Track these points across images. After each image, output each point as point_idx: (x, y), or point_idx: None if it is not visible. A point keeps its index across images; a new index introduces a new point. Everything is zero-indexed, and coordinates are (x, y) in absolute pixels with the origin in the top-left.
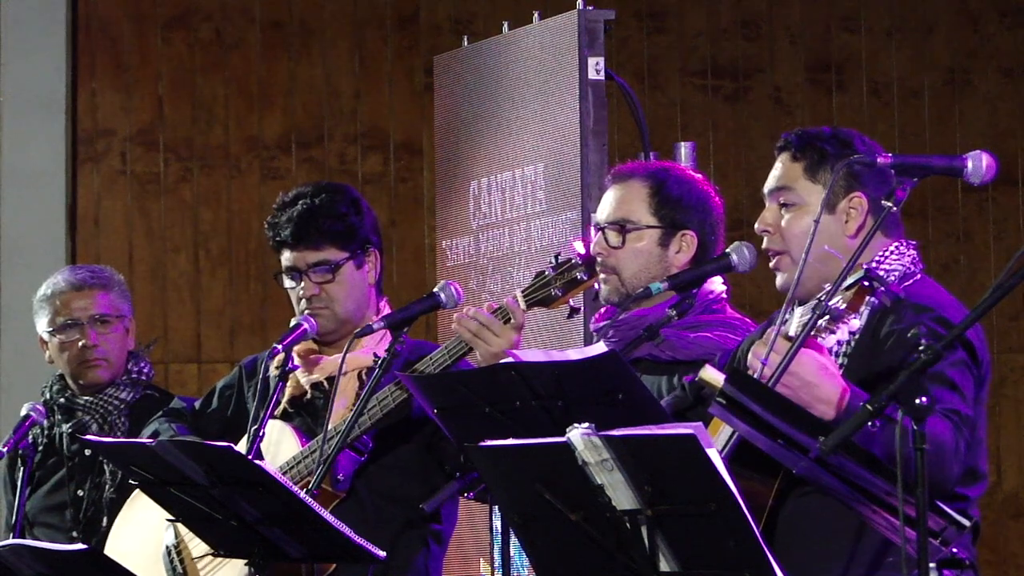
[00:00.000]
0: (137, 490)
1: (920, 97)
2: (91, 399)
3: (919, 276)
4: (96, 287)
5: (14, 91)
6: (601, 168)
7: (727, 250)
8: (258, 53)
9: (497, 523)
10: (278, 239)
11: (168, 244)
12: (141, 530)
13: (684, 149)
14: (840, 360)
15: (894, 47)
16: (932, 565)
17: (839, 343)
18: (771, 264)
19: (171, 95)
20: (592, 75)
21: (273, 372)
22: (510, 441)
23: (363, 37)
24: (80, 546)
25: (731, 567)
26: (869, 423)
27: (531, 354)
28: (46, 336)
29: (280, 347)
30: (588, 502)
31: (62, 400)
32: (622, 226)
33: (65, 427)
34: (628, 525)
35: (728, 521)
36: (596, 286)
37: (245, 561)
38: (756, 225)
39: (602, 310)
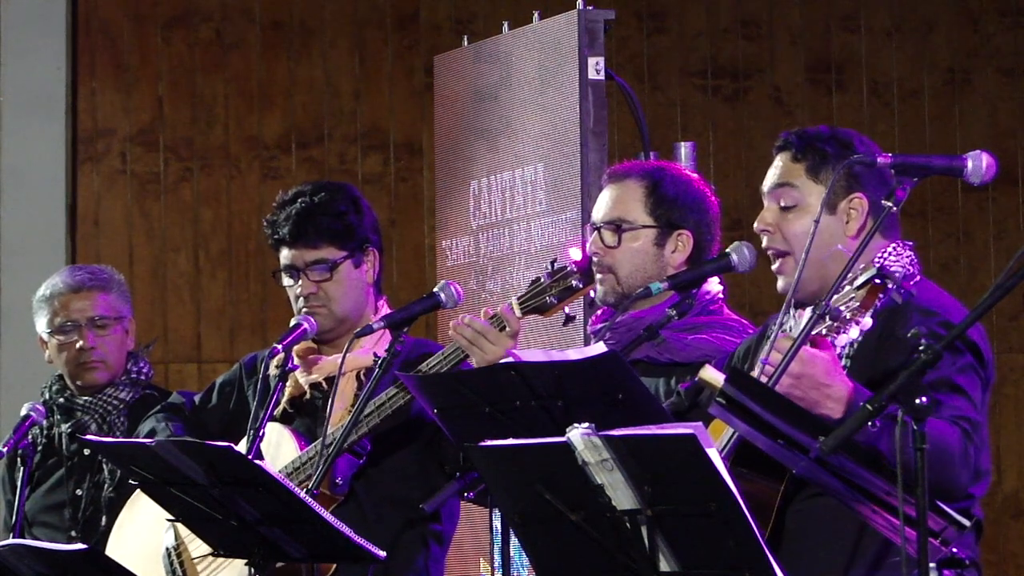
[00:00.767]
0: (137, 491)
1: (920, 97)
2: (90, 399)
3: (918, 278)
4: (94, 289)
5: (14, 91)
6: (601, 168)
7: (727, 250)
8: (258, 53)
9: (497, 523)
10: (276, 237)
11: (168, 244)
12: (141, 531)
13: (684, 149)
14: (844, 363)
15: (894, 47)
16: (932, 565)
17: (852, 342)
18: (774, 267)
19: (171, 95)
20: (592, 75)
21: (272, 372)
22: (510, 441)
23: (363, 37)
24: (80, 546)
25: (731, 567)
26: (869, 423)
27: (531, 354)
28: (45, 336)
29: (280, 347)
30: (588, 502)
31: (61, 400)
32: (618, 226)
33: (64, 427)
34: (628, 525)
35: (728, 521)
36: (591, 293)
37: (245, 562)
38: (755, 224)
39: (599, 312)
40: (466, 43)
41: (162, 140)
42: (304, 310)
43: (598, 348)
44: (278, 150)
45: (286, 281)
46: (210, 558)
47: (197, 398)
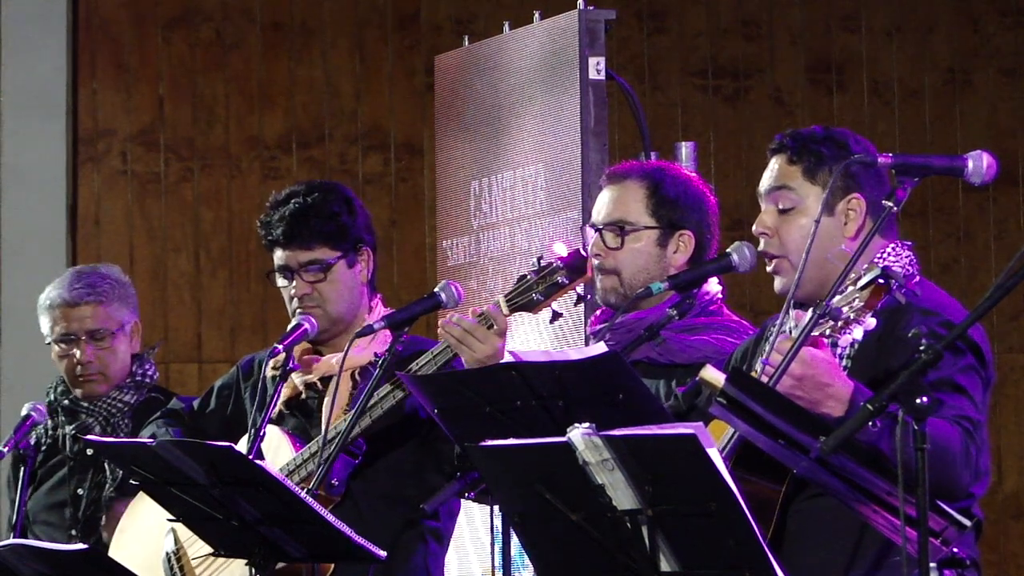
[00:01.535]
0: (139, 494)
1: (920, 97)
2: (94, 403)
3: (918, 278)
4: (91, 302)
5: (14, 91)
6: (601, 168)
7: (728, 250)
8: (259, 53)
9: (497, 523)
10: (270, 238)
11: (169, 244)
12: (142, 536)
13: (685, 149)
14: (844, 363)
15: (894, 47)
16: (933, 565)
17: (853, 343)
18: (769, 268)
19: (172, 95)
20: (592, 75)
21: (271, 372)
22: (510, 441)
23: (363, 37)
24: (80, 546)
25: (731, 567)
26: (870, 423)
27: (532, 354)
28: (48, 341)
29: (281, 347)
30: (589, 502)
31: (66, 402)
32: (621, 227)
33: (68, 429)
34: (629, 525)
35: (729, 521)
36: (578, 289)
37: (245, 562)
38: (754, 227)
39: (598, 312)
40: (466, 43)
41: (163, 140)
42: (298, 311)
43: (599, 348)
44: (279, 150)
45: (280, 282)
46: (210, 561)
47: (196, 403)
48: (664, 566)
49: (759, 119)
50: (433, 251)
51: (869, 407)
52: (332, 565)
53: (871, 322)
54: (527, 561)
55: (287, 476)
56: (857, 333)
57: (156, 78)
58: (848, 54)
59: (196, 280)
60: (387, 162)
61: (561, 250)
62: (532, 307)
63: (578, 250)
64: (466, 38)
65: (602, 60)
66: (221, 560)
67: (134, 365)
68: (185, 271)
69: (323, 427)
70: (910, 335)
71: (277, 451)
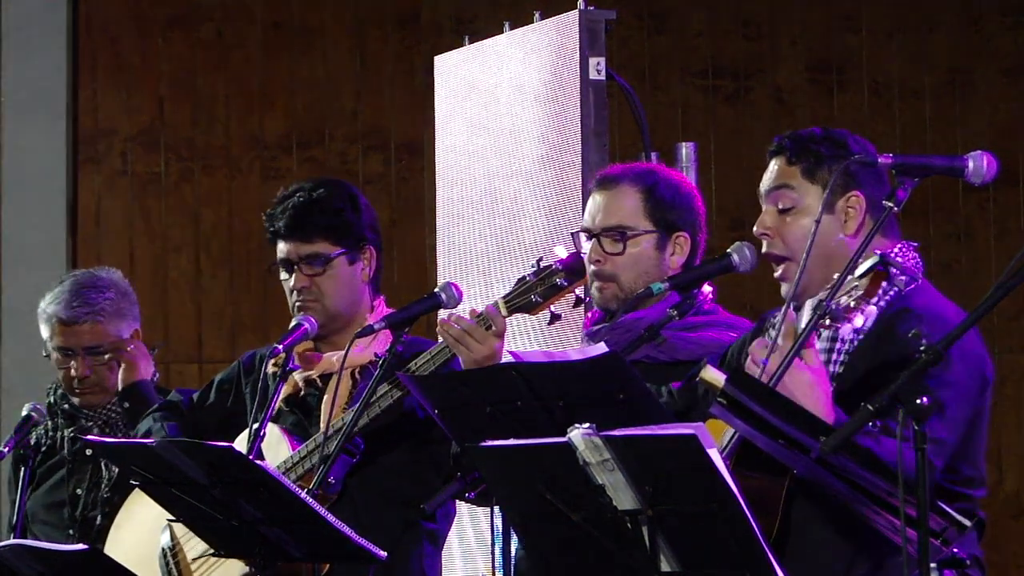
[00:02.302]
0: (135, 492)
1: (920, 97)
2: (93, 409)
3: (919, 281)
4: (87, 321)
5: (15, 91)
6: (601, 168)
7: (728, 250)
8: (259, 53)
9: (498, 523)
10: (272, 230)
11: (169, 244)
12: (138, 532)
13: (685, 149)
14: (842, 358)
15: (895, 47)
16: (933, 565)
17: (855, 331)
18: (776, 274)
19: (172, 95)
20: (593, 75)
21: (271, 371)
22: (511, 441)
23: (364, 37)
24: (80, 546)
25: (732, 567)
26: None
27: (532, 354)
28: (47, 346)
29: (281, 347)
30: (589, 502)
31: (65, 406)
32: (622, 232)
33: (67, 431)
34: (629, 525)
35: (729, 521)
36: (578, 292)
37: (245, 562)
38: (755, 228)
39: (590, 313)
40: (467, 43)
41: (163, 140)
42: (297, 304)
43: (599, 348)
44: (279, 150)
45: (282, 275)
46: (206, 559)
47: (195, 395)
48: (664, 566)
49: (759, 119)
50: (433, 251)
51: (869, 407)
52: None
53: (872, 310)
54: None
55: (285, 474)
56: (858, 321)
57: (156, 78)
58: (848, 54)
59: (196, 280)
60: (387, 162)
61: (561, 252)
62: (531, 308)
63: (578, 252)
64: (466, 38)
65: (602, 60)
66: (218, 558)
67: None
68: (185, 271)
69: (322, 425)
70: (910, 335)
71: (276, 450)
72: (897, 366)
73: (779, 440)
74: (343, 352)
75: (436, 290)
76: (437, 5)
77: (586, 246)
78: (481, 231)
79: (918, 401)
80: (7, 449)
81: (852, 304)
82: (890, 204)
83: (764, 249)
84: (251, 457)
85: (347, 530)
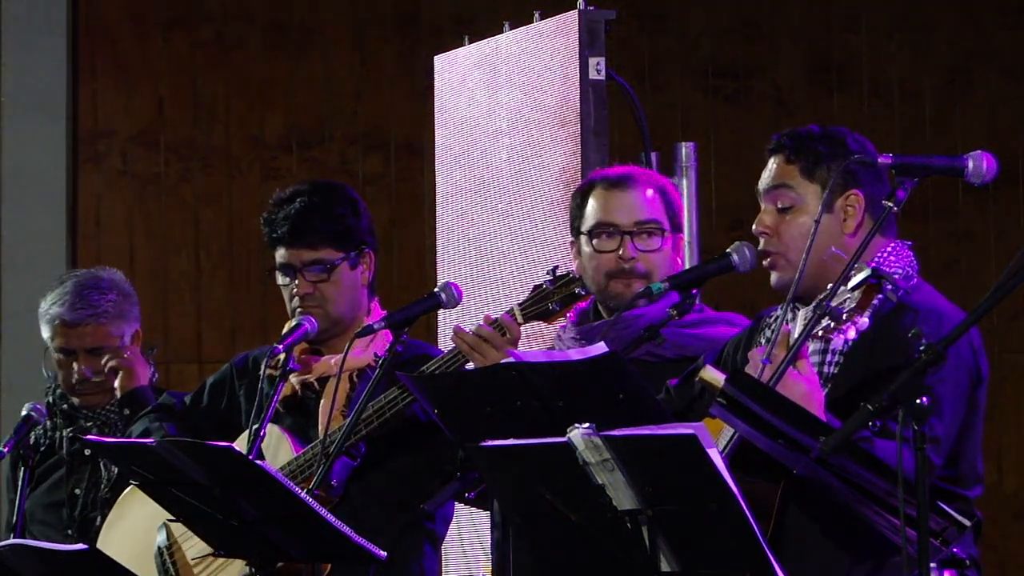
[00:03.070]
0: (126, 491)
1: (920, 97)
2: (93, 409)
3: (916, 280)
4: (90, 323)
5: (14, 91)
6: (601, 168)
7: (728, 250)
8: (259, 53)
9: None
10: (274, 236)
11: (169, 244)
12: (132, 531)
13: (685, 149)
14: (837, 359)
15: (894, 47)
16: (933, 565)
17: (846, 342)
18: (765, 262)
19: (172, 95)
20: (592, 75)
21: (269, 372)
22: (511, 441)
23: (363, 37)
24: (80, 546)
25: (732, 567)
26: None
27: (532, 354)
28: (48, 346)
29: (281, 347)
30: (589, 502)
31: (64, 406)
32: (661, 228)
33: (66, 431)
34: (629, 525)
35: (729, 521)
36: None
37: (244, 562)
38: (754, 227)
39: (571, 313)
40: (466, 43)
41: (163, 140)
42: (299, 310)
43: (599, 348)
44: (279, 150)
45: (281, 280)
46: (205, 559)
47: (187, 398)
48: (664, 566)
49: (759, 119)
50: (433, 251)
51: (869, 407)
52: (330, 565)
53: (864, 322)
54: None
55: (289, 478)
56: (851, 334)
57: (156, 78)
58: (848, 54)
59: (196, 280)
60: (387, 162)
61: None
62: (548, 316)
63: None
64: (466, 38)
65: (602, 60)
66: (217, 559)
67: None
68: (185, 271)
69: (320, 428)
70: (910, 335)
71: (277, 450)
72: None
73: (779, 440)
74: (341, 355)
75: (436, 290)
76: (437, 5)
77: (608, 243)
78: (481, 231)
79: (918, 401)
80: (6, 449)
81: (844, 316)
82: (890, 204)
83: (761, 247)
84: (251, 457)
85: (347, 530)
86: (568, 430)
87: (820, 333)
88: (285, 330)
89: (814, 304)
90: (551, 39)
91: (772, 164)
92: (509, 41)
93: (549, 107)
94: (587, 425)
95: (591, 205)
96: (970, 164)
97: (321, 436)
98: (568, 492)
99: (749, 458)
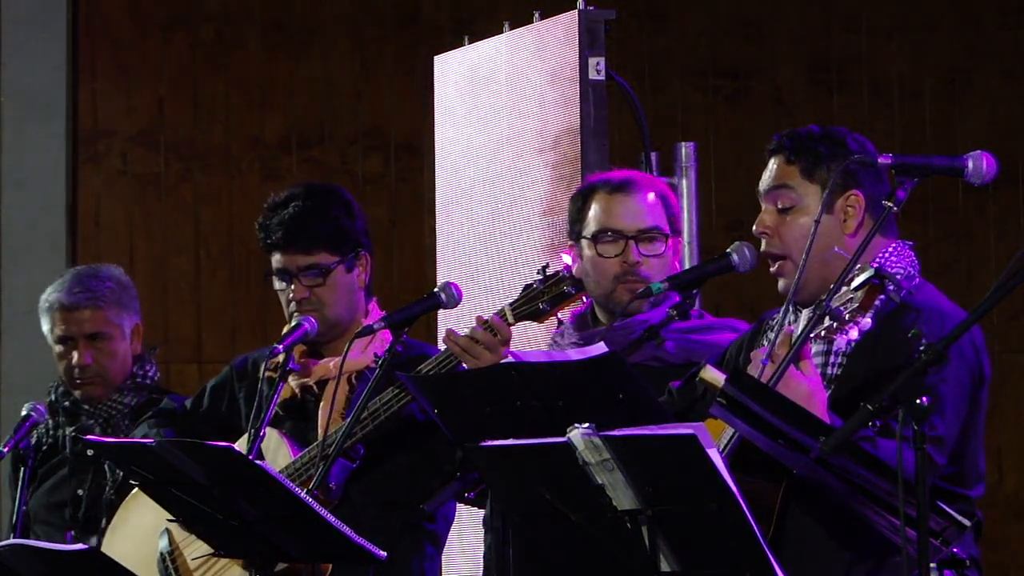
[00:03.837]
0: (131, 495)
1: (920, 97)
2: (94, 405)
3: (917, 280)
4: (88, 307)
5: (14, 91)
6: (601, 168)
7: (728, 250)
8: (259, 53)
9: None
10: (269, 241)
11: (169, 244)
12: (136, 535)
13: (685, 149)
14: (840, 359)
15: (895, 47)
16: (933, 565)
17: (849, 343)
18: (772, 269)
19: (171, 95)
20: (592, 75)
21: (268, 373)
22: (511, 441)
23: (363, 37)
24: (80, 546)
25: (732, 567)
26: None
27: (531, 354)
28: (48, 341)
29: (281, 347)
30: (589, 502)
31: (67, 403)
32: (663, 234)
33: (68, 429)
34: (629, 525)
35: (728, 521)
36: (584, 300)
37: (242, 564)
38: (754, 227)
39: (568, 317)
40: (466, 43)
41: (163, 140)
42: (296, 314)
43: (599, 348)
44: (279, 150)
45: (278, 285)
46: (207, 563)
47: (188, 402)
48: (664, 566)
49: (759, 119)
50: (433, 251)
51: (869, 407)
52: (331, 565)
53: (867, 322)
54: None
55: (289, 479)
56: (853, 334)
57: (156, 78)
58: (848, 54)
59: (196, 280)
60: (387, 162)
61: (567, 259)
62: (538, 316)
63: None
64: (466, 38)
65: (602, 60)
66: (217, 561)
67: (135, 366)
68: (185, 271)
69: (319, 431)
70: (910, 335)
71: (276, 454)
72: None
73: (779, 440)
74: (340, 357)
75: (436, 290)
76: (437, 5)
77: (612, 248)
78: (481, 231)
79: (918, 401)
80: (6, 449)
81: (847, 317)
82: (890, 204)
83: (763, 248)
84: (251, 457)
85: (347, 530)
86: (568, 430)
87: (823, 334)
88: (285, 331)
89: (815, 305)
90: (551, 39)
91: (772, 165)
92: (509, 41)
93: (549, 107)
94: (587, 425)
95: (593, 210)
96: (970, 164)
97: (319, 439)
98: (568, 492)
99: (749, 458)
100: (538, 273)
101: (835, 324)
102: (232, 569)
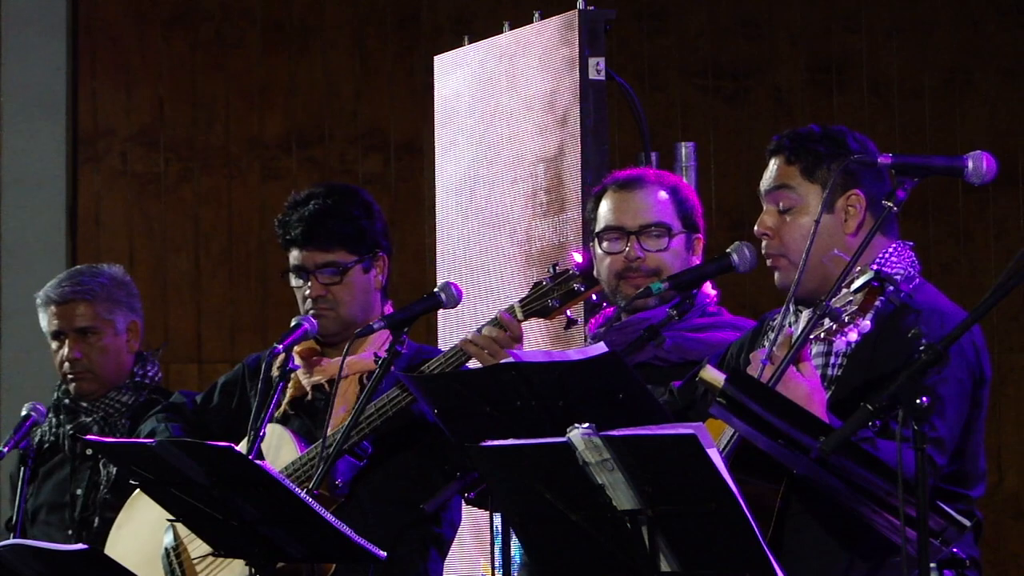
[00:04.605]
0: (136, 492)
1: (920, 97)
2: (92, 402)
3: (917, 280)
4: (78, 301)
5: (14, 91)
6: (601, 168)
7: (728, 250)
8: (258, 53)
9: (497, 523)
10: (288, 238)
11: (168, 244)
12: (140, 532)
13: (685, 149)
14: (840, 361)
15: (894, 47)
16: (932, 565)
17: (848, 344)
18: (769, 262)
19: (171, 95)
20: (592, 75)
21: (274, 372)
22: (511, 441)
23: (363, 37)
24: (80, 546)
25: (731, 567)
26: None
27: (531, 354)
28: (47, 336)
29: (280, 347)
30: (589, 502)
31: (67, 401)
32: (667, 228)
33: (67, 428)
34: (629, 525)
35: (728, 521)
36: (594, 297)
37: (245, 562)
38: (755, 228)
39: (600, 314)
40: (466, 43)
41: (162, 140)
42: (311, 312)
43: (599, 348)
44: (278, 150)
45: (295, 282)
46: (209, 558)
47: (199, 398)
48: (664, 566)
49: (759, 119)
50: (433, 251)
51: (869, 407)
52: (332, 565)
53: (866, 324)
54: (528, 561)
55: (290, 476)
56: (853, 336)
57: (156, 78)
58: (848, 54)
59: (196, 280)
60: (387, 162)
61: (577, 257)
62: (547, 313)
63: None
64: (466, 38)
65: (602, 60)
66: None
67: (136, 365)
68: (185, 271)
69: (328, 429)
70: (910, 335)
71: (279, 450)
72: (900, 361)
73: (779, 440)
74: (349, 356)
75: (436, 290)
76: (437, 5)
77: (616, 245)
78: (481, 231)
79: (918, 401)
80: (6, 449)
81: (847, 319)
82: (889, 204)
83: (763, 248)
84: (251, 457)
85: (347, 530)
86: (568, 430)
87: (823, 335)
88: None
89: (815, 306)
90: (551, 39)
91: (773, 165)
92: (509, 41)
93: (549, 107)
94: (587, 425)
95: (602, 207)
96: (970, 164)
97: (325, 437)
98: (568, 492)
99: (749, 458)
100: (548, 271)
101: (834, 326)
102: (236, 564)
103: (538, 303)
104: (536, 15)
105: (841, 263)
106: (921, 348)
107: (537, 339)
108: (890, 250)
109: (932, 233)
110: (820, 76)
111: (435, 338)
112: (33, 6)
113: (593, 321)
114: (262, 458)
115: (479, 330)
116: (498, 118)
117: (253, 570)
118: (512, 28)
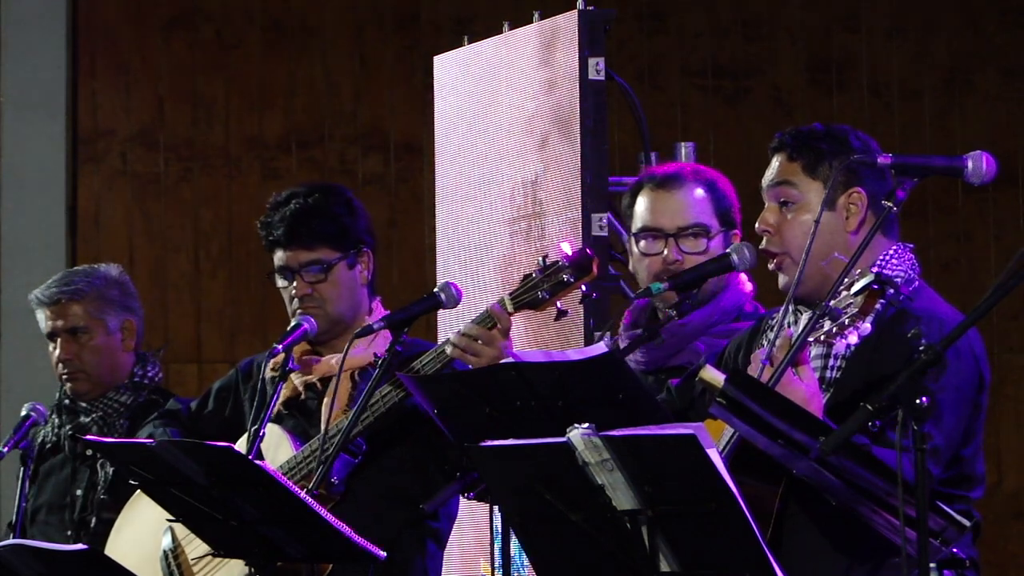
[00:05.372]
0: (136, 494)
1: (920, 97)
2: (91, 402)
3: (917, 283)
4: (67, 301)
5: (14, 91)
6: (601, 168)
7: (727, 250)
8: (258, 53)
9: (497, 523)
10: (271, 239)
11: (168, 244)
12: (139, 534)
13: (685, 149)
14: (839, 363)
15: (894, 47)
16: (932, 565)
17: (847, 347)
18: (770, 265)
19: (171, 95)
20: (592, 75)
21: (270, 373)
22: (510, 441)
23: (363, 37)
24: (80, 546)
25: (731, 567)
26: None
27: (531, 354)
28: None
29: (280, 347)
30: (588, 502)
31: (67, 402)
32: (706, 230)
33: (66, 428)
34: (629, 525)
35: (728, 521)
36: (583, 288)
37: (245, 563)
38: (757, 225)
39: (632, 306)
40: (466, 43)
41: (162, 140)
42: (299, 311)
43: (599, 348)
44: (278, 150)
45: (280, 282)
46: (208, 560)
47: (193, 404)
48: (664, 566)
49: (759, 119)
50: (433, 251)
51: (868, 407)
52: (331, 565)
53: (866, 327)
54: (527, 561)
55: (287, 475)
56: (852, 339)
57: (156, 78)
58: (848, 54)
59: (196, 280)
60: (387, 162)
61: (566, 248)
62: (537, 305)
63: (584, 248)
64: (465, 38)
65: (602, 60)
66: (219, 559)
67: (135, 366)
68: (185, 271)
69: (322, 428)
70: (909, 335)
71: (277, 450)
72: (899, 365)
73: (778, 440)
74: (342, 354)
75: (436, 290)
76: (437, 5)
77: (654, 246)
78: (480, 231)
79: (917, 402)
80: (6, 449)
81: (847, 322)
82: (889, 204)
83: (762, 245)
84: (251, 457)
85: (346, 529)
86: (568, 430)
87: (823, 338)
88: (289, 327)
89: (815, 307)
90: (550, 39)
91: (775, 162)
92: (509, 41)
93: (549, 107)
94: (587, 425)
95: (639, 205)
96: (970, 164)
97: (322, 435)
98: (568, 492)
99: (749, 458)
100: (538, 263)
101: (834, 328)
102: (233, 565)
103: (528, 295)
104: (536, 15)
105: (842, 266)
106: (921, 348)
107: (540, 333)
108: (891, 252)
109: (932, 233)
110: (820, 76)
111: (435, 338)
112: (33, 6)
113: (628, 313)
114: (262, 458)
115: (461, 331)
116: (497, 118)
117: (252, 570)
118: (512, 28)
